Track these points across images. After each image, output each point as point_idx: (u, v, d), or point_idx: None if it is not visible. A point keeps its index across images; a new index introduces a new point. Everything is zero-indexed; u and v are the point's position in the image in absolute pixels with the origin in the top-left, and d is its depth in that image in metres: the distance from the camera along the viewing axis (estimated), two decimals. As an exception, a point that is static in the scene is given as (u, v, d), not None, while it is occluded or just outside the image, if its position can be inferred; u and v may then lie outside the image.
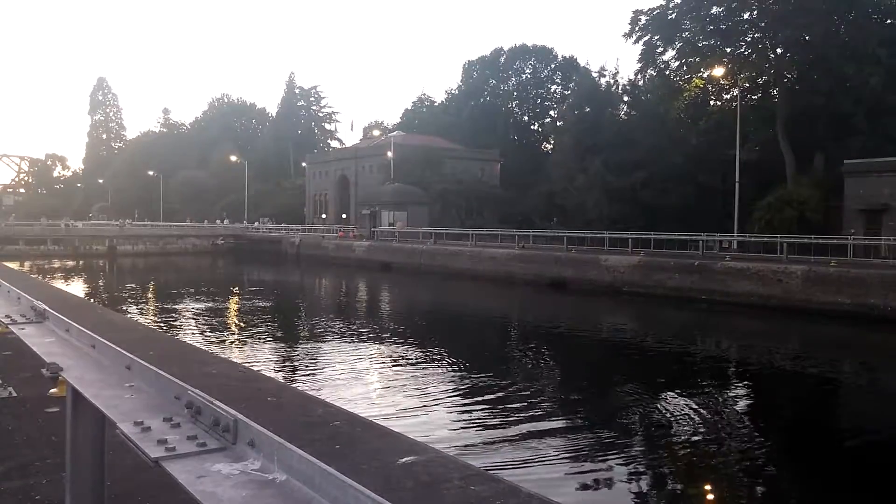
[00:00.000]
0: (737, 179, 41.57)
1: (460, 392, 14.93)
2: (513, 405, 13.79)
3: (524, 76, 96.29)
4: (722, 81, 51.60)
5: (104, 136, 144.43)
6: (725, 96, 53.64)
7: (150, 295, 36.87)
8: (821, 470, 11.13)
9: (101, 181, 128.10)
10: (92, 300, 27.78)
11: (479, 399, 14.26)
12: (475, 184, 71.28)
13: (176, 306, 30.52)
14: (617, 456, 10.87)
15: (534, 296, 36.50)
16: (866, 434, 13.21)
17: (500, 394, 14.86)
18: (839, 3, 45.76)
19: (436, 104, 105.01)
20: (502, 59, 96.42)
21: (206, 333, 22.74)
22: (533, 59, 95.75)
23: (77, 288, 38.04)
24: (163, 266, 58.09)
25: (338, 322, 26.74)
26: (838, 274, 27.37)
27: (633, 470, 10.37)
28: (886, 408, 15.37)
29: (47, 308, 4.15)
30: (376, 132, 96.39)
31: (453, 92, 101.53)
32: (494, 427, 12.13)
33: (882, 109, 43.87)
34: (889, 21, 48.00)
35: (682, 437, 12.30)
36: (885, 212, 37.93)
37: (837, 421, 14.71)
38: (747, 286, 29.66)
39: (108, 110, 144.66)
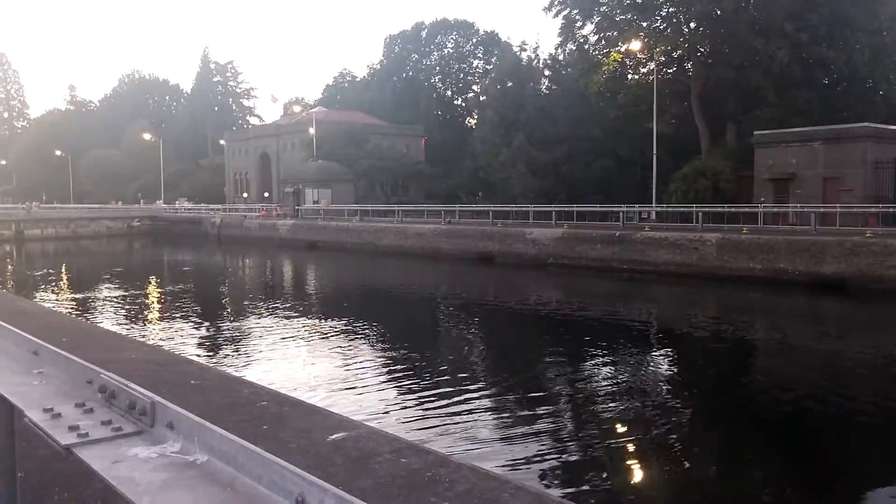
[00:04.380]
0: (654, 152, 42.68)
1: (389, 367, 14.96)
2: (442, 378, 13.90)
3: (446, 50, 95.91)
4: (639, 55, 52.60)
5: (6, 115, 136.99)
6: (643, 70, 54.73)
7: (62, 281, 35.35)
8: (737, 427, 11.68)
9: (3, 162, 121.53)
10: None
11: (409, 373, 14.32)
12: (400, 160, 70.88)
13: (90, 292, 29.37)
14: (544, 423, 11.12)
15: (461, 270, 36.74)
16: (778, 390, 13.90)
17: (428, 367, 14.96)
18: (748, -23, 47.21)
19: (358, 80, 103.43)
20: (423, 34, 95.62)
21: (124, 319, 21.99)
22: (455, 33, 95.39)
23: (-18, 276, 36.13)
24: (75, 251, 55.77)
25: (263, 303, 26.31)
26: (750, 241, 28.56)
27: (559, 436, 10.62)
28: (795, 365, 16.19)
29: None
30: (297, 108, 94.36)
31: (375, 67, 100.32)
32: (424, 400, 12.20)
33: (789, 82, 45.63)
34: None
35: (608, 402, 12.68)
36: (792, 180, 39.67)
37: (752, 379, 15.41)
38: (665, 255, 30.64)
39: (8, 87, 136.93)
